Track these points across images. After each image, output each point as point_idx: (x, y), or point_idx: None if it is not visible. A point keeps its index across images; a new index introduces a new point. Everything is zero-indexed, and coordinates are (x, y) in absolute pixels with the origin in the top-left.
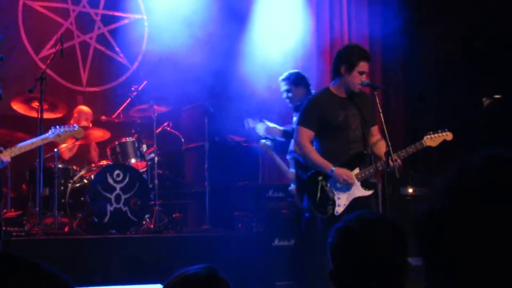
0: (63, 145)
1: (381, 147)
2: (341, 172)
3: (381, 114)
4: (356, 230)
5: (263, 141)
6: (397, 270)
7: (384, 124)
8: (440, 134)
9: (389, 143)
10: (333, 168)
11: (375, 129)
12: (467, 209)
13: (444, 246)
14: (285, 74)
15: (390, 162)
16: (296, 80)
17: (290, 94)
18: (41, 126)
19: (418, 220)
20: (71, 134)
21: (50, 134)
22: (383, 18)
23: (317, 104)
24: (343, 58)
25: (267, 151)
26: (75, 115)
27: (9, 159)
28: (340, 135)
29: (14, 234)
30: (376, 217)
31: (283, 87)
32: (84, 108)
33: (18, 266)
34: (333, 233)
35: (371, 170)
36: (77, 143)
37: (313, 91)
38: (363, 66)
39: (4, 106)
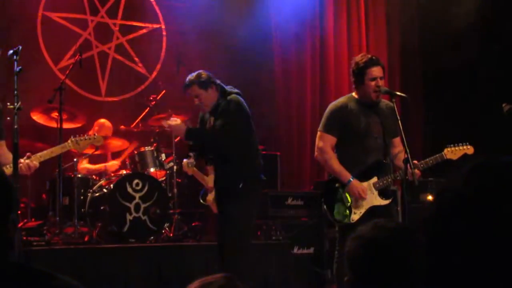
0: (86, 164)
1: (402, 158)
2: (356, 186)
3: (400, 122)
4: (372, 239)
5: (185, 161)
6: (415, 278)
7: (402, 132)
8: (461, 148)
9: (408, 151)
10: (351, 179)
11: (397, 141)
12: (450, 212)
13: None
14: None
15: (409, 170)
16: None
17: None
18: (61, 136)
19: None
20: (90, 142)
21: (69, 143)
22: (402, 23)
23: (340, 110)
24: (353, 70)
25: (188, 171)
26: (96, 128)
27: (37, 165)
28: (361, 143)
29: (35, 243)
30: (393, 225)
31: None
32: (105, 122)
33: (34, 277)
34: (350, 242)
35: (389, 180)
36: (97, 152)
37: (228, 88)
38: (373, 72)
39: (24, 117)
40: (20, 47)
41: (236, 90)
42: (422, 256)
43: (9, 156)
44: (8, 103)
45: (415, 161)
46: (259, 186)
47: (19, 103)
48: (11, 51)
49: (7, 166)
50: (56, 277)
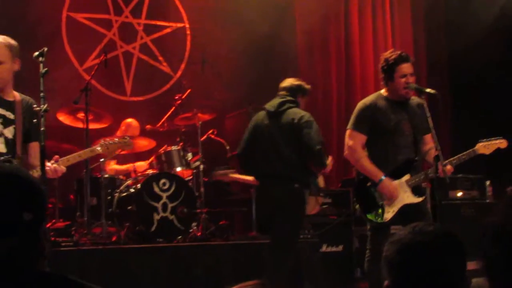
0: (114, 165)
1: (433, 155)
2: (388, 185)
3: (430, 119)
4: (411, 244)
5: (220, 172)
6: (457, 287)
7: (433, 129)
8: (494, 142)
9: (439, 148)
10: (383, 178)
11: (427, 137)
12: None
13: None
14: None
15: (440, 167)
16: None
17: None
18: (87, 136)
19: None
20: (120, 146)
21: (99, 147)
22: (427, 19)
23: (370, 108)
24: (382, 67)
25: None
26: (123, 127)
27: (64, 169)
28: (391, 141)
29: (63, 244)
30: (432, 229)
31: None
32: (132, 121)
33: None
34: (388, 246)
35: (422, 177)
36: (123, 152)
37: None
38: (403, 68)
39: (50, 118)
40: (46, 49)
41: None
42: (461, 261)
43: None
44: (35, 105)
45: (448, 163)
46: None
47: (46, 105)
48: (36, 53)
49: (36, 169)
50: (85, 286)
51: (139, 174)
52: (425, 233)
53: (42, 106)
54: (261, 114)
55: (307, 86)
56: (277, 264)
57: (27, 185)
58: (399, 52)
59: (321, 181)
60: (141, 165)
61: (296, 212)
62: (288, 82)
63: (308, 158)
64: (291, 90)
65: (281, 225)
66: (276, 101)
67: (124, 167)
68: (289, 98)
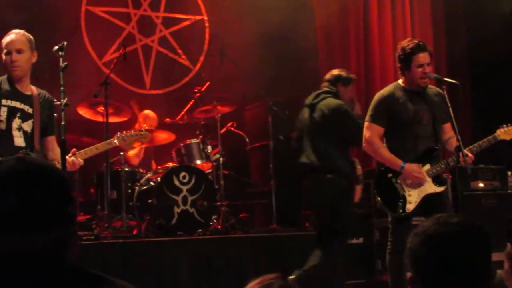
0: (130, 152)
1: (453, 144)
2: (411, 169)
3: (450, 109)
4: (435, 236)
5: None
6: (482, 278)
7: (453, 119)
8: None
9: (460, 138)
10: (403, 165)
11: (447, 126)
12: None
13: None
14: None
15: (461, 157)
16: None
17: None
18: (107, 130)
19: None
20: (137, 138)
21: (115, 139)
22: (447, 9)
23: (387, 99)
24: (399, 56)
25: None
26: (140, 119)
27: (82, 162)
28: (410, 131)
29: (84, 238)
30: (457, 220)
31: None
32: (150, 113)
33: (90, 282)
34: (412, 238)
35: (443, 166)
36: (143, 146)
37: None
38: (420, 58)
39: (71, 112)
40: (65, 43)
41: None
42: (486, 252)
43: (58, 152)
44: (55, 99)
45: (467, 150)
46: None
47: (66, 99)
48: (56, 47)
49: (55, 162)
50: (111, 281)
51: (159, 167)
52: (450, 225)
53: (62, 100)
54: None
55: (348, 75)
56: (324, 254)
57: (66, 178)
58: (416, 41)
59: (359, 169)
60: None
61: (332, 202)
62: (329, 72)
63: (352, 141)
64: (331, 80)
65: (321, 216)
66: (313, 94)
67: (135, 150)
68: (326, 89)
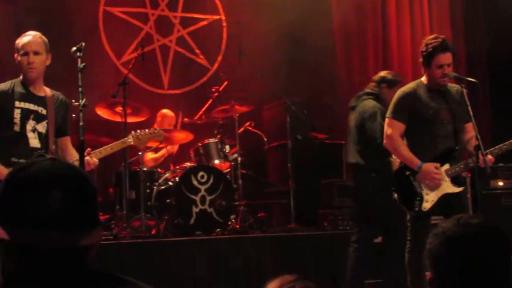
0: (151, 155)
1: (473, 144)
2: (429, 169)
3: (470, 108)
4: (455, 237)
5: None
6: (503, 280)
7: (473, 118)
8: None
9: (479, 137)
10: (421, 165)
11: (469, 126)
12: None
13: None
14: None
15: (481, 157)
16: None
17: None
18: (126, 130)
19: None
20: (151, 137)
21: (130, 138)
22: (466, 8)
23: (409, 96)
24: (422, 52)
25: None
26: (159, 119)
27: (97, 162)
28: (430, 130)
29: (103, 238)
30: (477, 221)
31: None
32: (167, 112)
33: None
34: (432, 239)
35: (462, 166)
36: (165, 154)
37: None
38: (441, 58)
39: (89, 112)
40: (83, 44)
41: None
42: (507, 254)
43: (73, 152)
44: (73, 100)
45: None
46: None
47: (84, 100)
48: (74, 48)
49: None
50: (132, 283)
51: (177, 167)
52: (470, 226)
53: (80, 101)
54: None
55: (393, 77)
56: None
57: (91, 180)
58: (441, 39)
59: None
60: (174, 148)
61: (374, 200)
62: (377, 74)
63: (373, 149)
64: (376, 81)
65: (369, 216)
66: (356, 95)
67: (159, 154)
68: (368, 90)
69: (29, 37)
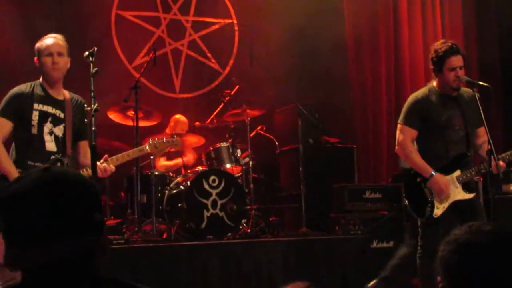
0: (164, 162)
1: (486, 149)
2: (439, 181)
3: (482, 112)
4: (467, 245)
5: None
6: None
7: (485, 123)
8: None
9: (491, 142)
10: (433, 174)
11: (481, 131)
12: None
13: None
14: None
15: (493, 162)
16: None
17: None
18: (137, 134)
19: None
20: (168, 145)
21: (147, 146)
22: (478, 12)
23: (421, 101)
24: (432, 58)
25: None
26: (171, 124)
27: (114, 169)
28: (442, 135)
29: (114, 242)
30: (490, 228)
31: None
32: (181, 117)
33: None
34: (444, 246)
35: (473, 173)
36: (173, 150)
37: None
38: (452, 61)
39: (101, 116)
40: (96, 49)
41: None
42: None
43: (90, 156)
44: (86, 105)
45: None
46: None
47: (96, 105)
48: (86, 53)
49: (86, 167)
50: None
51: (188, 171)
52: (482, 233)
53: (92, 105)
54: None
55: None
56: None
57: (93, 186)
58: (450, 43)
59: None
60: (190, 159)
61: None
62: None
63: None
64: None
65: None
66: None
67: (173, 162)
68: None
69: (53, 39)
